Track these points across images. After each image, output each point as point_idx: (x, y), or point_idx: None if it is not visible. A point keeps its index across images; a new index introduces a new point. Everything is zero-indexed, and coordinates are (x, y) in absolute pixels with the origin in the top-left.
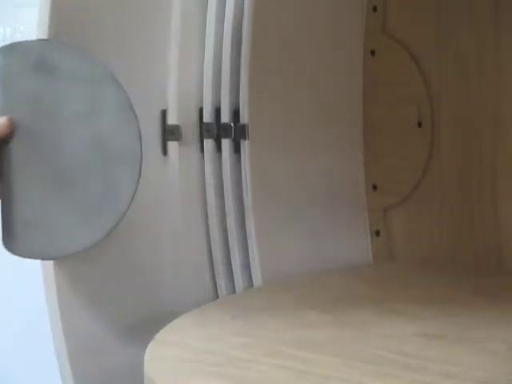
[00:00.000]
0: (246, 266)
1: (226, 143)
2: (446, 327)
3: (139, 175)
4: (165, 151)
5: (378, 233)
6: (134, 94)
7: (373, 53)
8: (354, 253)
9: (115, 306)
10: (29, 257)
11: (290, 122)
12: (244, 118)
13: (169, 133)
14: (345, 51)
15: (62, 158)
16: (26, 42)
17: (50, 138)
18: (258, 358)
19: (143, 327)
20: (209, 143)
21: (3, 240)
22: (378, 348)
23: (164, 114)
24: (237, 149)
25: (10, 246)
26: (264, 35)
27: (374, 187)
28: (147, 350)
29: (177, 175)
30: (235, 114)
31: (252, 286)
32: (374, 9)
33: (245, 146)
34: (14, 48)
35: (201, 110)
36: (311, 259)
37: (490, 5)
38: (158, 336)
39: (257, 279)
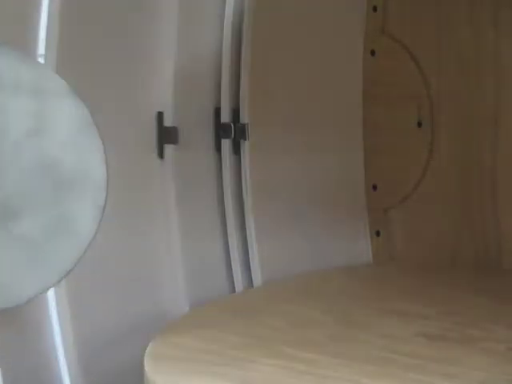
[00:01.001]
0: (246, 265)
1: (242, 144)
2: (446, 327)
3: (104, 204)
4: (161, 154)
5: (378, 233)
6: (129, 96)
7: (373, 53)
8: (354, 253)
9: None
10: None
11: (290, 122)
12: (244, 117)
13: (166, 135)
14: (345, 51)
15: (5, 186)
16: None
17: None
18: (258, 358)
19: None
20: (226, 143)
21: None
22: (378, 348)
23: (160, 116)
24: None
25: None
26: (264, 35)
27: (374, 187)
28: (147, 350)
29: (172, 178)
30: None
31: (252, 286)
32: (374, 9)
33: (244, 145)
34: None
35: (216, 111)
36: (311, 259)
37: (490, 5)
38: (158, 336)
39: (257, 279)
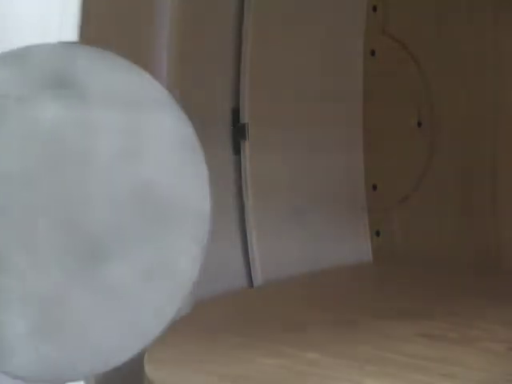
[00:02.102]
0: (246, 265)
1: (242, 144)
2: (446, 327)
3: (206, 240)
4: (237, 150)
5: (378, 233)
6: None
7: (373, 53)
8: (354, 253)
9: None
10: (33, 380)
11: (291, 122)
12: (244, 117)
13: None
14: (345, 51)
15: (93, 220)
16: (42, 46)
17: (71, 192)
18: (259, 358)
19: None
20: (245, 144)
21: None
22: (379, 348)
23: (236, 112)
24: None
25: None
26: (264, 35)
27: (374, 187)
28: (147, 351)
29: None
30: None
31: (252, 286)
32: (374, 9)
33: (244, 146)
34: (24, 57)
35: (234, 111)
36: (311, 259)
37: (490, 5)
38: (157, 336)
39: (257, 279)
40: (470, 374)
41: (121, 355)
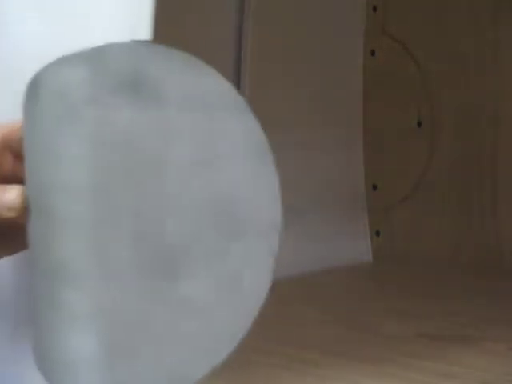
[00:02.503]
0: None
1: None
2: (446, 327)
3: (276, 255)
4: None
5: (378, 233)
6: None
7: (373, 53)
8: (354, 253)
9: None
10: None
11: (291, 122)
12: None
13: None
14: (345, 51)
15: (166, 233)
16: (116, 46)
17: (146, 203)
18: (258, 357)
19: None
20: None
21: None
22: (379, 348)
23: None
24: None
25: None
26: (264, 36)
27: (374, 187)
28: None
29: None
30: None
31: None
32: (374, 9)
33: None
34: (101, 57)
35: None
36: (311, 259)
37: (490, 5)
38: None
39: None
40: (470, 373)
41: (193, 375)
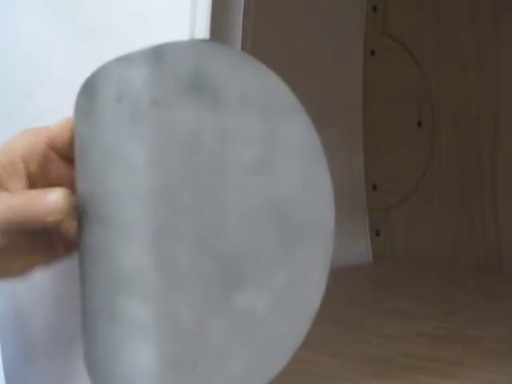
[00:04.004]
0: None
1: None
2: (446, 327)
3: (330, 260)
4: None
5: (377, 233)
6: None
7: (373, 53)
8: (354, 253)
9: None
10: None
11: None
12: None
13: None
14: (345, 51)
15: (224, 242)
16: (176, 45)
17: (207, 209)
18: None
19: None
20: None
21: None
22: (378, 348)
23: None
24: None
25: None
26: (264, 35)
27: (374, 187)
28: None
29: None
30: None
31: None
32: (374, 9)
33: None
34: (162, 56)
35: None
36: None
37: (490, 5)
38: None
39: None
40: (470, 373)
41: (258, 383)
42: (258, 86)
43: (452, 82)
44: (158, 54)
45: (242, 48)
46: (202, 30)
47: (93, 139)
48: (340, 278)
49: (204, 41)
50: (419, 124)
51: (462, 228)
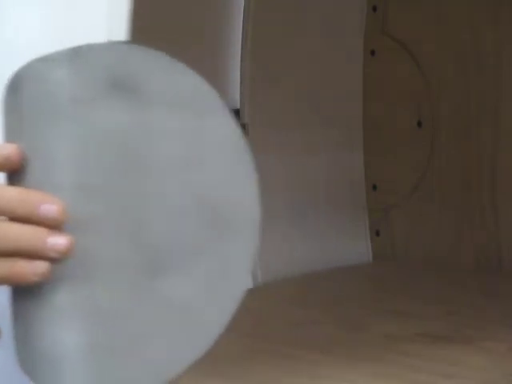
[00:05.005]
0: None
1: None
2: (446, 327)
3: (255, 251)
4: None
5: (377, 233)
6: None
7: (373, 53)
8: (354, 253)
9: None
10: None
11: (290, 122)
12: (244, 117)
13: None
14: (345, 51)
15: (150, 233)
16: (95, 46)
17: (136, 201)
18: (258, 357)
19: None
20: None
21: (35, 377)
22: (379, 348)
23: (236, 112)
24: None
25: None
26: (264, 35)
27: (374, 187)
28: None
29: None
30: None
31: (252, 285)
32: (374, 9)
33: None
34: (82, 56)
35: (234, 111)
36: (311, 259)
37: (490, 4)
38: None
39: (257, 279)
40: (470, 373)
41: (177, 368)
42: (180, 86)
43: (452, 82)
44: (77, 55)
45: (242, 48)
46: (121, 31)
47: (16, 134)
48: (340, 277)
49: (123, 42)
50: (419, 124)
51: (462, 228)
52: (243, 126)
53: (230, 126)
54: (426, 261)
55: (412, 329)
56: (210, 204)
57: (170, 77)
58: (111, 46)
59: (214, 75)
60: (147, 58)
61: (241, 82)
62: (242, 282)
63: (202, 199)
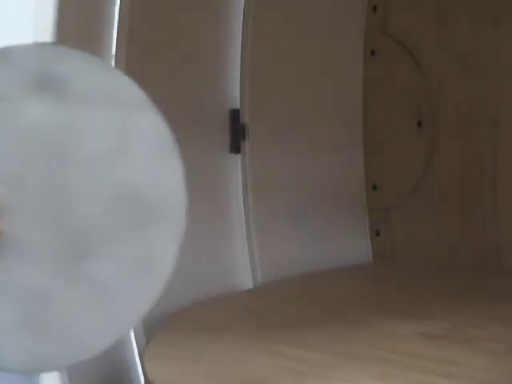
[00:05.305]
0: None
1: (242, 144)
2: (446, 327)
3: (181, 238)
4: (237, 150)
5: (377, 233)
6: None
7: (373, 53)
8: (354, 253)
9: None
10: (17, 370)
11: (290, 122)
12: (244, 117)
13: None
14: (345, 51)
15: (77, 219)
16: (22, 47)
17: (57, 191)
18: (258, 357)
19: None
20: (245, 144)
21: None
22: (379, 348)
23: (236, 112)
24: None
25: None
26: (265, 36)
27: (374, 187)
28: (147, 350)
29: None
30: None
31: (252, 285)
32: (374, 9)
33: (245, 146)
34: (9, 57)
35: (233, 112)
36: (311, 259)
37: (490, 5)
38: (157, 336)
39: (257, 279)
40: (470, 373)
41: (101, 344)
42: (107, 85)
43: (452, 82)
44: (4, 55)
45: (242, 48)
46: (46, 33)
47: None
48: (340, 277)
49: (49, 44)
50: (419, 124)
51: (462, 228)
52: (243, 126)
53: (156, 120)
54: (426, 261)
55: (412, 329)
56: (136, 192)
57: (95, 76)
58: (38, 47)
59: (214, 75)
60: (73, 59)
61: (241, 82)
62: (167, 263)
63: (128, 188)
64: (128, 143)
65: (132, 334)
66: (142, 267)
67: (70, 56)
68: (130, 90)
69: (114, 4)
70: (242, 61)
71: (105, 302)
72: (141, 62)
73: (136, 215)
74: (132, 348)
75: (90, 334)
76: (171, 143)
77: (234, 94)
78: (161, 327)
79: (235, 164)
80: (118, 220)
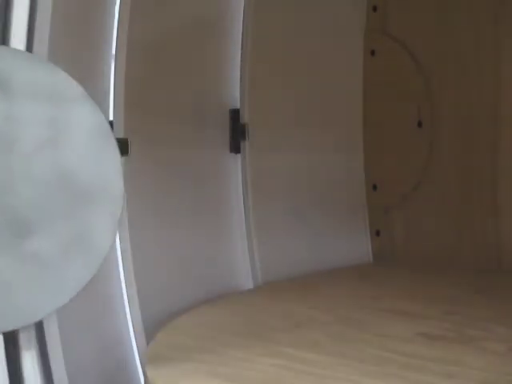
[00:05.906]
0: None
1: (242, 144)
2: (446, 327)
3: (120, 217)
4: (237, 150)
5: (378, 232)
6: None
7: (373, 53)
8: (354, 253)
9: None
10: None
11: (290, 122)
12: (244, 117)
13: (241, 132)
14: (345, 51)
15: (17, 200)
16: None
17: (2, 175)
18: (258, 358)
19: None
20: (245, 144)
21: None
22: (378, 348)
23: (236, 112)
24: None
25: None
26: (265, 36)
27: (374, 187)
28: (148, 351)
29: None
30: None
31: (252, 285)
32: (374, 9)
33: (245, 145)
34: None
35: (233, 112)
36: (311, 259)
37: (490, 5)
38: (158, 336)
39: (257, 279)
40: (470, 373)
41: (39, 313)
42: (45, 80)
43: (452, 82)
44: None
45: (242, 48)
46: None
47: None
48: (340, 277)
49: None
50: (419, 124)
51: (462, 228)
52: (243, 126)
53: (93, 112)
54: (425, 261)
55: (412, 329)
56: (75, 176)
57: (34, 73)
58: None
59: (214, 75)
60: (12, 57)
61: (241, 82)
62: (104, 243)
63: (67, 172)
64: (65, 133)
65: (132, 334)
66: (82, 246)
67: (11, 54)
68: (68, 85)
69: (114, 4)
70: (241, 61)
71: (45, 275)
72: (141, 62)
73: (75, 197)
74: (132, 348)
75: (30, 304)
76: (108, 133)
77: (234, 94)
78: (161, 327)
79: (235, 164)
80: (58, 201)
